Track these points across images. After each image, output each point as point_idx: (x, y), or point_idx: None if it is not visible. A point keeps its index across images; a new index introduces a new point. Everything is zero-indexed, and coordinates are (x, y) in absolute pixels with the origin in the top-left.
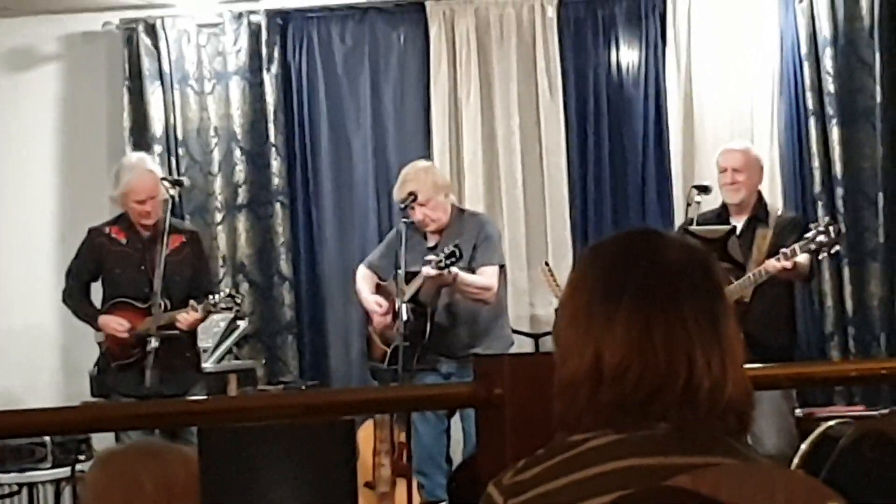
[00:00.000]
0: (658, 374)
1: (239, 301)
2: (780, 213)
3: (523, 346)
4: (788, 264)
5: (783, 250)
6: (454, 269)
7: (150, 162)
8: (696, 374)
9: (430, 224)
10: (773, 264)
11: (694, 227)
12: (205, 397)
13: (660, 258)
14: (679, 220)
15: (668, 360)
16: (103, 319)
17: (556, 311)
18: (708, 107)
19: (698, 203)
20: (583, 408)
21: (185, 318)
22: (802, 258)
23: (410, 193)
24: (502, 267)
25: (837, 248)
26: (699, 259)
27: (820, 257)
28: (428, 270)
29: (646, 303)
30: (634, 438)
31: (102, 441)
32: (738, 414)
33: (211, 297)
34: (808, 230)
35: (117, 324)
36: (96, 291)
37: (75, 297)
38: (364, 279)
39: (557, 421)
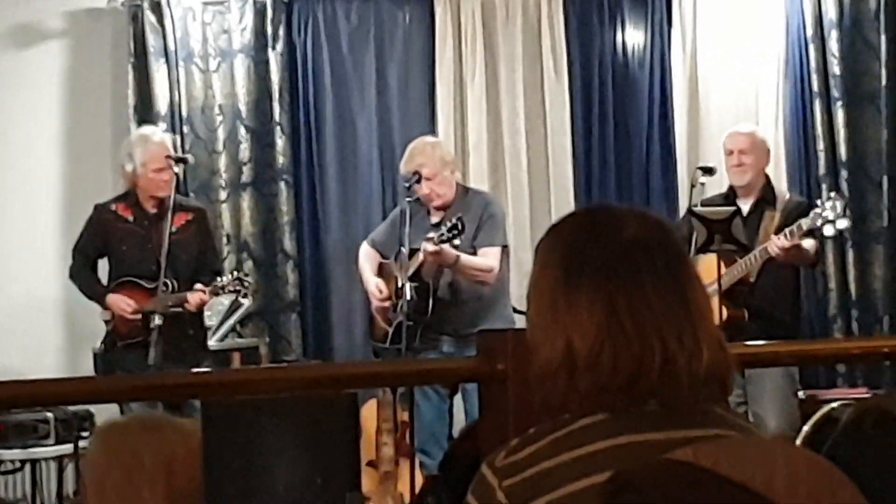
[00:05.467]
0: (633, 356)
1: (246, 284)
2: (787, 196)
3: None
4: (787, 243)
5: (787, 229)
6: (455, 252)
7: (161, 133)
8: (670, 350)
9: (435, 199)
10: (774, 243)
11: (698, 209)
12: (208, 370)
13: (616, 235)
14: (683, 201)
15: (640, 340)
16: (111, 298)
17: (526, 298)
18: (713, 88)
19: (702, 184)
20: (563, 395)
21: (192, 300)
22: (808, 243)
23: (415, 172)
24: (505, 247)
25: (846, 222)
26: (656, 230)
27: (828, 233)
28: (426, 246)
29: (606, 283)
30: (627, 416)
31: (104, 415)
32: (720, 379)
33: (218, 279)
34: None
35: (125, 304)
36: (103, 268)
37: (82, 275)
38: (366, 257)
39: (540, 407)
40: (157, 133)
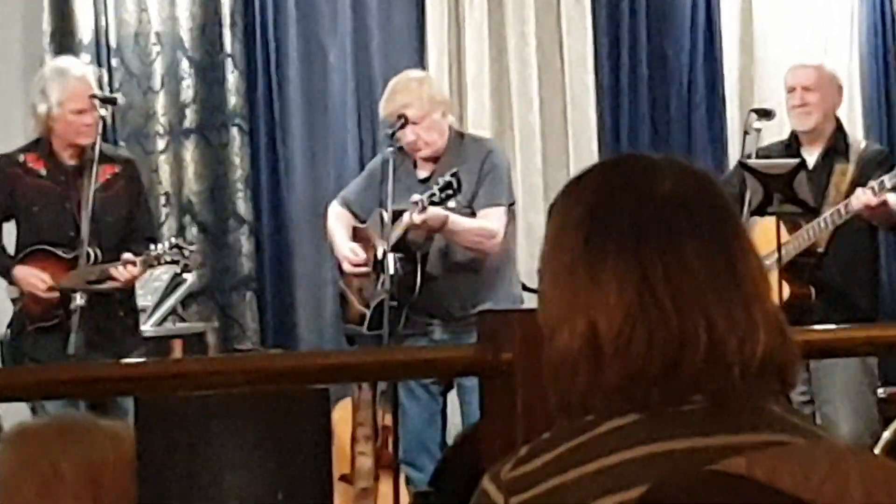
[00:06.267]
0: (671, 338)
1: (188, 253)
2: (863, 145)
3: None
4: (874, 200)
5: (872, 183)
6: (443, 212)
7: (84, 66)
8: (717, 330)
9: (423, 148)
10: (860, 198)
11: (752, 161)
12: (142, 360)
13: (649, 190)
14: (734, 151)
15: (680, 319)
16: (19, 272)
17: (538, 272)
18: (771, 12)
19: (758, 131)
20: (585, 391)
21: (121, 272)
22: (894, 198)
23: (399, 115)
24: (511, 206)
25: None
26: (701, 185)
27: None
28: (414, 216)
29: (637, 249)
30: (665, 417)
31: (13, 419)
32: (779, 368)
33: (153, 246)
34: None
35: (37, 279)
36: (10, 235)
37: None
38: (338, 219)
39: (556, 407)
40: (79, 66)
